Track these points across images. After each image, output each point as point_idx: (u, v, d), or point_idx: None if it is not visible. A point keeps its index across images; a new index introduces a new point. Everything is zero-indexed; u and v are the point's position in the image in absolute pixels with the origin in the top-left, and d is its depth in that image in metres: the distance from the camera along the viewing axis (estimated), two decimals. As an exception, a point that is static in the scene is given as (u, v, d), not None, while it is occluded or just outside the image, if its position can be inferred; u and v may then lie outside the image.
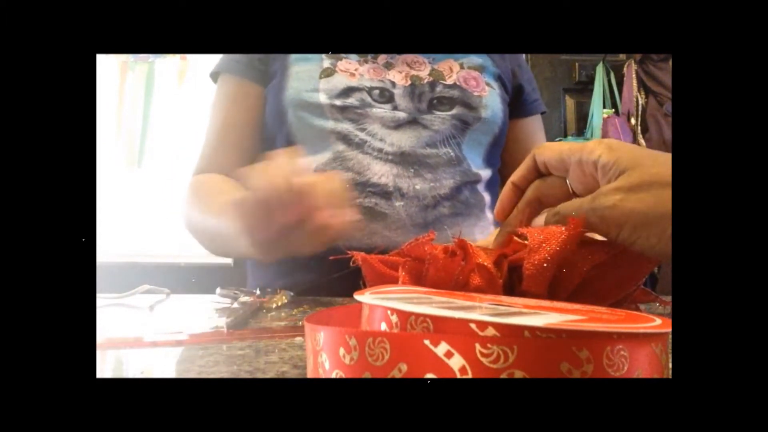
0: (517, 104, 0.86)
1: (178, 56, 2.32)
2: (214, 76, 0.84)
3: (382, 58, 0.78)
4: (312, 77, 0.75)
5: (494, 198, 0.80)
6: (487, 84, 0.80)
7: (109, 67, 2.29)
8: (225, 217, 0.61)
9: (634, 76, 2.06)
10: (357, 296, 0.26)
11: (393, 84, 0.76)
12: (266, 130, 0.80)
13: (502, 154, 0.84)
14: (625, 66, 2.10)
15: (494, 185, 0.82)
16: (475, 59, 0.81)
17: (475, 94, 0.78)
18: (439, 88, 0.76)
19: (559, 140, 2.14)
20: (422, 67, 0.78)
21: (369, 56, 0.78)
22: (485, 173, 0.78)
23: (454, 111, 0.76)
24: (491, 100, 0.79)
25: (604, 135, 2.00)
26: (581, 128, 2.20)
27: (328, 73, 0.75)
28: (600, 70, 2.15)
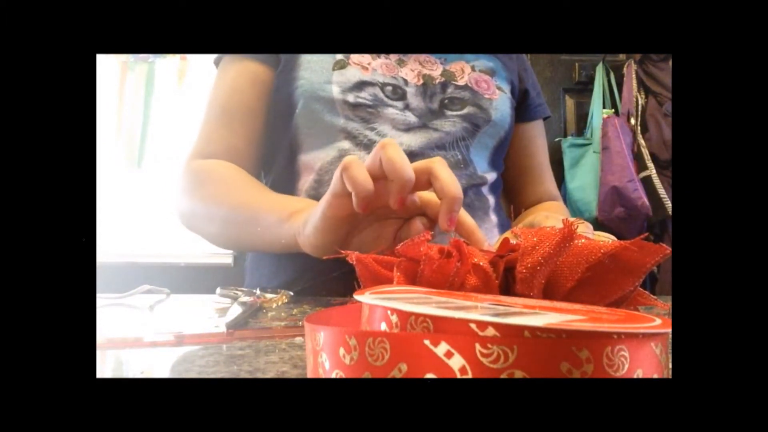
0: (521, 108, 0.86)
1: (178, 56, 2.32)
2: (218, 60, 0.82)
3: (394, 54, 0.77)
4: (325, 69, 0.73)
5: (498, 200, 0.81)
6: (498, 88, 0.80)
7: (109, 67, 2.29)
8: (270, 209, 0.61)
9: (633, 76, 2.06)
10: (357, 296, 0.26)
11: (405, 82, 0.75)
12: (271, 117, 0.78)
13: (504, 158, 0.84)
14: (625, 66, 2.10)
15: (498, 188, 0.82)
16: (487, 62, 0.81)
17: (486, 96, 0.78)
18: (450, 89, 0.76)
19: (559, 140, 2.14)
20: (434, 66, 0.78)
21: (383, 54, 0.77)
22: (490, 176, 0.78)
23: (465, 111, 0.76)
24: (501, 103, 0.79)
25: (604, 135, 2.00)
26: (581, 128, 2.20)
27: (341, 65, 0.74)
28: (600, 70, 2.15)
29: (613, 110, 2.08)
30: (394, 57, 0.77)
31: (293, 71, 0.74)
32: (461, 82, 0.77)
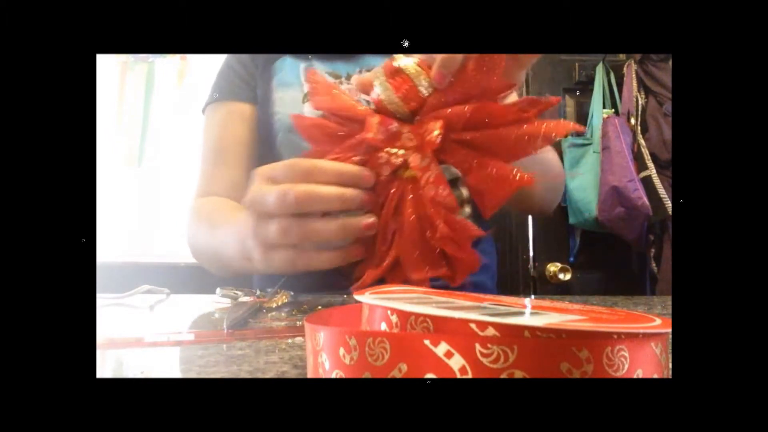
0: None
1: (178, 56, 2.31)
2: (205, 107, 0.87)
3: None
4: (296, 102, 0.81)
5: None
6: None
7: (109, 67, 2.29)
8: (226, 237, 0.60)
9: (633, 76, 2.06)
10: (357, 296, 0.26)
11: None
12: (260, 147, 0.84)
13: None
14: (625, 66, 2.10)
15: None
16: None
17: None
18: None
19: (559, 140, 2.14)
20: None
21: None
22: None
23: None
24: None
25: (604, 135, 2.00)
26: (581, 128, 2.20)
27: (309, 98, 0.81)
28: (600, 70, 2.14)
29: (613, 110, 2.08)
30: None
31: (268, 107, 0.82)
32: None
